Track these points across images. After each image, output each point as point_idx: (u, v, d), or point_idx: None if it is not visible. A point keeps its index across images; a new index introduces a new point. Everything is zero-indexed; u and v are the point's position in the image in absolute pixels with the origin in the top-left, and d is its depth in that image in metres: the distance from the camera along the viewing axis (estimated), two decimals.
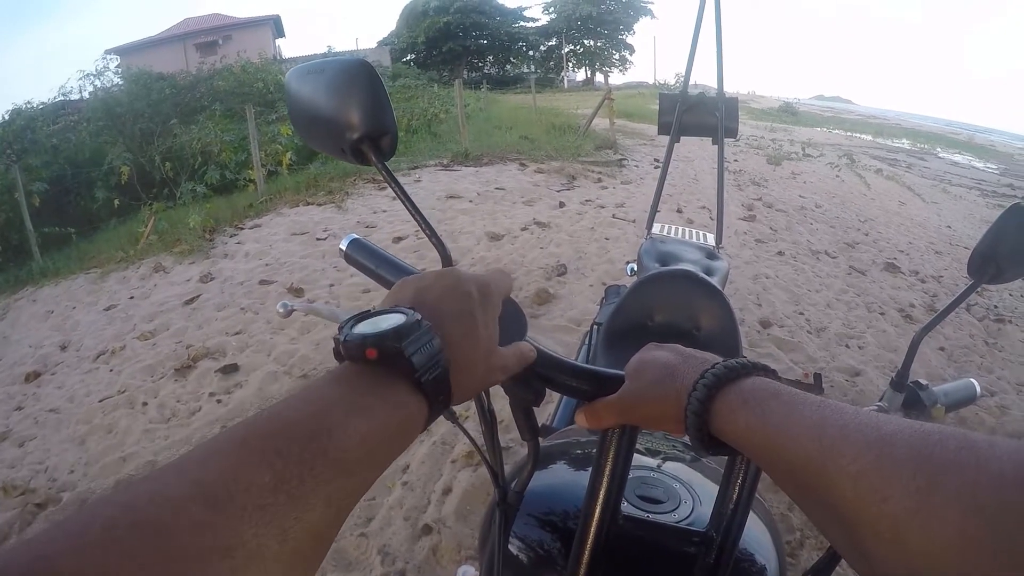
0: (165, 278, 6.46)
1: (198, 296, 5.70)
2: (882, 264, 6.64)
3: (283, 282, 5.70)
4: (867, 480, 0.43)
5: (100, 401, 4.19)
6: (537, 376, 0.73)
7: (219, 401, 3.96)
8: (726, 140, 2.66)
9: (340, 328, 0.52)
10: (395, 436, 0.49)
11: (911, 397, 1.19)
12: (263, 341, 4.65)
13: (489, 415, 0.87)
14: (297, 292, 5.43)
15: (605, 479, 0.76)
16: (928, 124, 43.04)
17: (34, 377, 4.81)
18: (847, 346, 4.56)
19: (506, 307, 0.68)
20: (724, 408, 0.58)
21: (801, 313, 5.09)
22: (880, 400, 1.21)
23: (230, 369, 4.28)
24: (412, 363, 0.50)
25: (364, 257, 0.91)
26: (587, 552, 0.77)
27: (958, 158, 21.53)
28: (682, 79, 2.92)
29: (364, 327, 0.51)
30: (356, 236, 0.94)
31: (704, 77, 2.69)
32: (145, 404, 4.05)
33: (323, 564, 0.40)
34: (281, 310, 1.02)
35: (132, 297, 6.08)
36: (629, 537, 0.84)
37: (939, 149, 23.79)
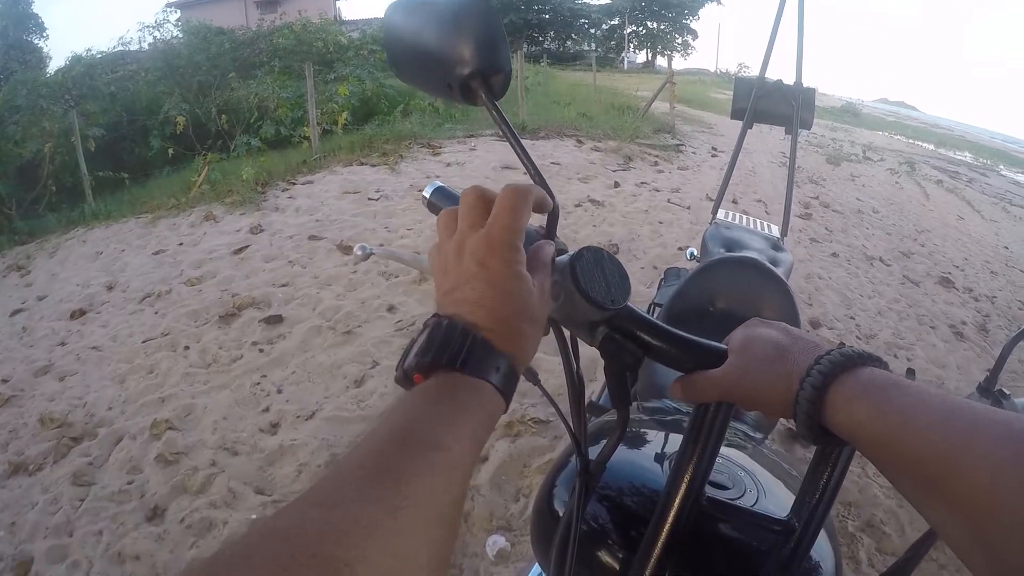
0: (215, 227, 6.44)
1: (247, 247, 5.66)
2: (936, 277, 6.44)
3: (332, 238, 5.65)
4: (1005, 474, 0.43)
5: (143, 342, 4.18)
6: (636, 341, 0.70)
7: (261, 351, 3.92)
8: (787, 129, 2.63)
9: (395, 369, 0.57)
10: (475, 423, 0.51)
11: (994, 405, 1.08)
12: (309, 295, 4.60)
13: (578, 380, 0.81)
14: (346, 249, 5.36)
15: (695, 456, 0.74)
16: (993, 139, 41.88)
17: (79, 315, 4.81)
18: (895, 356, 4.41)
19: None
20: (840, 397, 0.56)
21: (852, 317, 4.96)
22: None
23: (274, 320, 4.23)
24: (452, 364, 0.53)
25: (448, 204, 0.86)
26: (666, 531, 0.76)
27: (1021, 178, 20.77)
28: (744, 69, 2.80)
29: (407, 360, 0.55)
30: (440, 184, 0.92)
31: (772, 69, 2.60)
32: (187, 348, 4.02)
33: None
34: (359, 252, 1.02)
35: (181, 243, 6.07)
36: (710, 519, 0.82)
37: (1002, 166, 23.00)
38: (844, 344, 0.63)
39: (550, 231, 0.72)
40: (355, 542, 0.36)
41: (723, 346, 0.70)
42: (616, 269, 0.70)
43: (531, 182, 0.69)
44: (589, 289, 0.66)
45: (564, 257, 0.70)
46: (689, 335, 0.71)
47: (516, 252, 0.59)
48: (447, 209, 0.66)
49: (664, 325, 0.71)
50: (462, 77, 0.66)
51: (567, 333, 0.78)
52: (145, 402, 3.48)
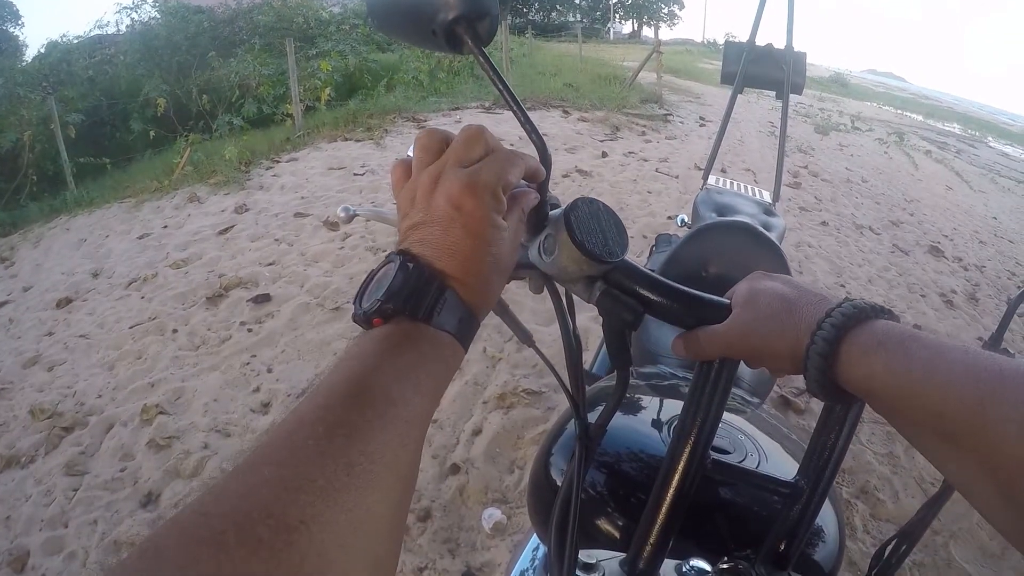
0: (199, 208, 6.38)
1: (232, 227, 5.61)
2: (926, 247, 6.49)
3: (319, 215, 5.62)
4: None
5: (130, 328, 4.14)
6: (635, 297, 0.67)
7: (250, 330, 3.89)
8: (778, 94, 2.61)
9: (354, 302, 0.54)
10: (435, 376, 0.50)
11: None
12: (296, 272, 4.58)
13: (575, 340, 0.77)
14: (332, 226, 5.32)
15: (699, 416, 0.71)
16: (981, 111, 41.90)
17: (65, 303, 4.76)
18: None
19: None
20: (855, 351, 0.54)
21: (842, 286, 4.99)
22: None
23: (262, 299, 4.20)
24: (416, 315, 0.51)
25: None
26: (671, 495, 0.73)
27: (1009, 149, 20.94)
28: (732, 38, 2.80)
29: (367, 297, 0.53)
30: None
31: (762, 34, 2.59)
32: (175, 331, 3.99)
33: None
34: (342, 213, 0.96)
35: (166, 226, 6.00)
36: (715, 483, 0.81)
37: (990, 138, 23.20)
38: (851, 296, 0.60)
39: (543, 183, 0.68)
40: (310, 500, 0.36)
41: (726, 300, 0.68)
42: (613, 221, 0.67)
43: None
44: (585, 241, 0.63)
45: (558, 210, 0.67)
46: (691, 290, 0.69)
47: (499, 201, 0.55)
48: (433, 131, 0.62)
49: (664, 279, 0.68)
50: (446, 22, 0.61)
51: (562, 291, 0.75)
52: (135, 388, 3.45)
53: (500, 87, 0.64)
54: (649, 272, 0.68)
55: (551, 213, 0.67)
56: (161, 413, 3.18)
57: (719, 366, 0.70)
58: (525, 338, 0.81)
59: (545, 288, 0.74)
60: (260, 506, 0.34)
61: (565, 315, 0.76)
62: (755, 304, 0.64)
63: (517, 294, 3.62)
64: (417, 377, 0.47)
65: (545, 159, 0.66)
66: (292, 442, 0.39)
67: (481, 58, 0.63)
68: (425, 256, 0.53)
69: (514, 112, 0.65)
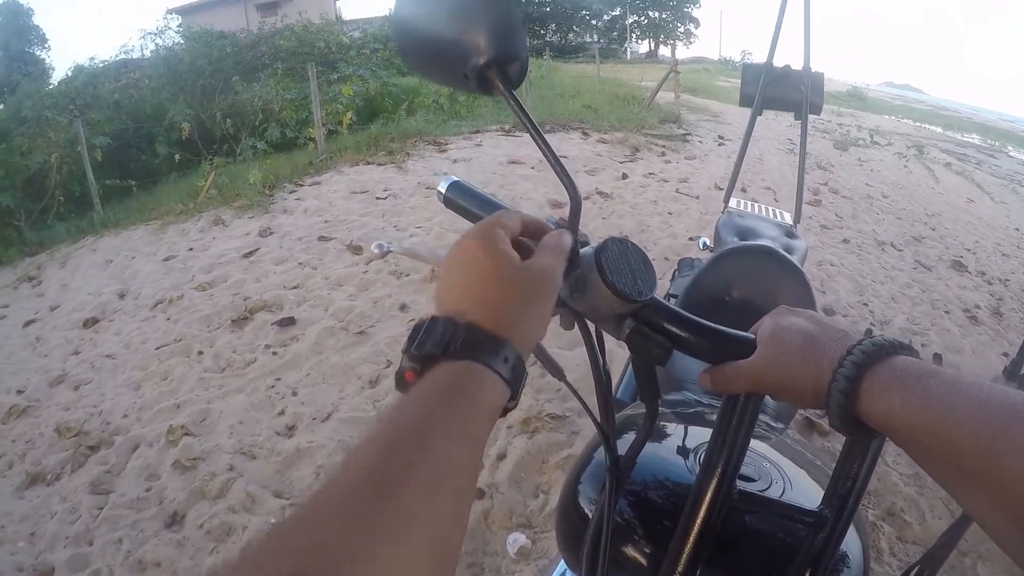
0: (224, 231, 6.45)
1: (256, 250, 5.66)
2: (948, 261, 6.38)
3: (342, 239, 5.65)
4: None
5: (156, 349, 4.18)
6: (664, 333, 0.70)
7: (275, 353, 3.91)
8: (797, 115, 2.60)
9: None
10: (469, 415, 0.48)
11: (1021, 390, 1.06)
12: (321, 296, 4.60)
13: (604, 375, 0.80)
14: (356, 250, 5.35)
15: (725, 449, 0.72)
16: (1000, 120, 41.43)
17: (92, 323, 4.83)
18: (910, 342, 4.30)
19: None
20: (875, 387, 0.56)
21: (865, 304, 4.92)
22: None
23: (287, 322, 4.23)
24: (436, 350, 0.51)
25: (464, 199, 0.88)
26: (698, 525, 0.74)
27: None
28: (748, 55, 2.80)
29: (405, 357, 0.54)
30: (456, 178, 0.91)
31: (778, 53, 2.59)
32: (201, 353, 4.02)
33: None
34: (376, 250, 0.99)
35: (191, 249, 6.07)
36: (741, 512, 0.81)
37: (1010, 147, 22.77)
38: (872, 330, 0.62)
39: (572, 223, 0.71)
40: (336, 567, 0.34)
41: (751, 336, 0.69)
42: (642, 260, 0.69)
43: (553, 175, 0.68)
44: (616, 280, 0.66)
45: (588, 248, 0.69)
46: (718, 326, 0.71)
47: (499, 241, 0.59)
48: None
49: (692, 316, 0.70)
50: (478, 67, 0.64)
51: (592, 327, 0.77)
52: (160, 408, 3.49)
53: (531, 129, 0.67)
54: (677, 309, 0.71)
55: (581, 251, 0.69)
56: (187, 434, 3.21)
57: (745, 400, 0.71)
58: (557, 373, 0.83)
59: (575, 324, 0.76)
60: (284, 571, 0.33)
61: (595, 350, 0.79)
62: (779, 340, 0.65)
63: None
64: (444, 422, 0.45)
65: (575, 200, 0.69)
66: (320, 502, 0.39)
67: (511, 101, 0.66)
68: (440, 303, 0.57)
69: (544, 154, 0.69)
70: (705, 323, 0.71)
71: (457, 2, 0.65)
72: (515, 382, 0.53)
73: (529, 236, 0.65)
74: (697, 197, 7.21)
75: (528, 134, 0.69)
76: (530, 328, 0.57)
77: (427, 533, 0.40)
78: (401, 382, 0.53)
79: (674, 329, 0.70)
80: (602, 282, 0.65)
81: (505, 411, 0.54)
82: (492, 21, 0.63)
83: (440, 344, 0.51)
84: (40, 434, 3.46)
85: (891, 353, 0.57)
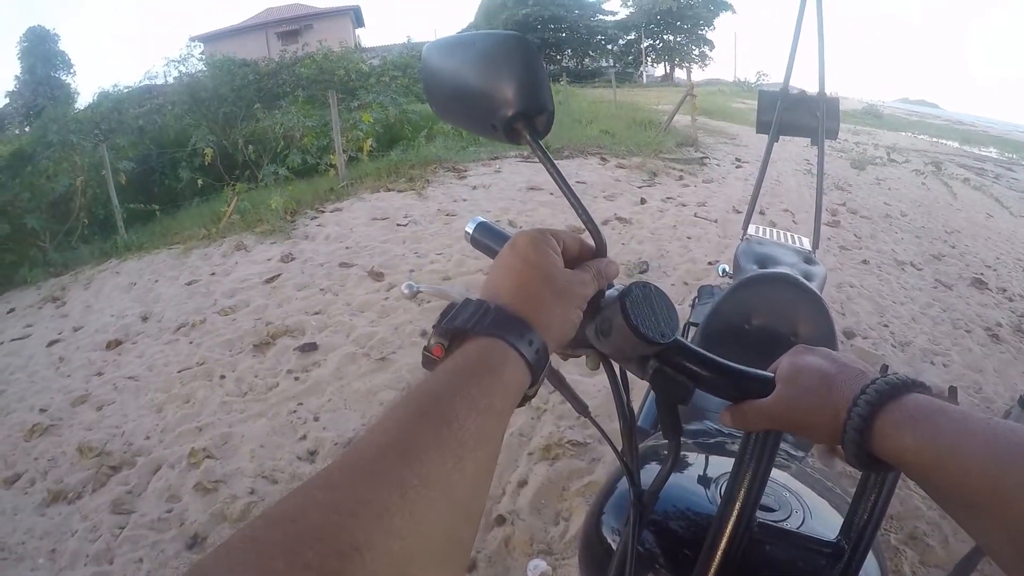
0: (246, 256, 6.51)
1: (278, 275, 5.71)
2: (969, 279, 6.33)
3: (363, 265, 5.69)
4: None
5: (179, 372, 4.22)
6: (686, 373, 0.72)
7: (296, 379, 3.94)
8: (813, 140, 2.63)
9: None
10: (490, 388, 0.50)
11: None
12: (342, 322, 4.63)
13: (628, 412, 0.83)
14: (377, 276, 5.39)
15: (745, 484, 0.75)
16: (1017, 132, 40.91)
17: (115, 345, 4.87)
18: (932, 363, 4.34)
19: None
20: (888, 426, 0.58)
21: (885, 325, 4.89)
22: (1006, 417, 1.11)
23: (308, 348, 4.26)
24: (464, 327, 0.54)
25: (490, 238, 0.93)
26: (718, 558, 0.76)
27: None
28: (763, 77, 2.82)
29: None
30: (483, 219, 0.95)
31: (793, 73, 2.61)
32: (223, 377, 4.06)
33: None
34: (406, 291, 1.02)
35: (213, 273, 6.13)
36: (760, 543, 0.83)
37: None
38: (888, 367, 0.65)
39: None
40: (362, 525, 0.35)
41: (771, 375, 0.71)
42: (664, 303, 0.72)
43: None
44: (640, 324, 0.68)
45: (613, 291, 0.71)
46: (738, 365, 0.73)
47: (549, 243, 0.64)
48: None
49: (713, 356, 0.73)
50: (506, 118, 0.66)
51: (617, 367, 0.80)
52: (182, 431, 3.51)
53: (557, 178, 0.69)
54: (698, 350, 0.73)
55: (607, 293, 0.71)
56: (208, 457, 3.23)
57: (764, 437, 0.73)
58: (581, 409, 0.86)
59: (599, 364, 0.79)
60: (309, 531, 0.34)
61: (619, 389, 0.82)
62: (797, 380, 0.68)
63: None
64: (470, 394, 0.47)
65: (600, 245, 0.72)
66: (345, 463, 0.40)
67: (539, 151, 0.68)
68: (483, 290, 0.61)
69: (570, 202, 0.71)
70: (726, 363, 0.73)
71: (484, 54, 0.67)
72: (537, 367, 0.56)
73: (575, 253, 0.69)
74: (716, 221, 7.20)
75: (554, 181, 0.71)
76: (559, 323, 0.61)
77: (450, 496, 0.41)
78: (427, 358, 0.55)
79: (696, 369, 0.72)
80: (627, 325, 0.67)
81: (525, 399, 0.57)
82: (518, 73, 0.64)
83: (469, 320, 0.54)
84: (62, 452, 3.50)
85: (904, 391, 0.60)
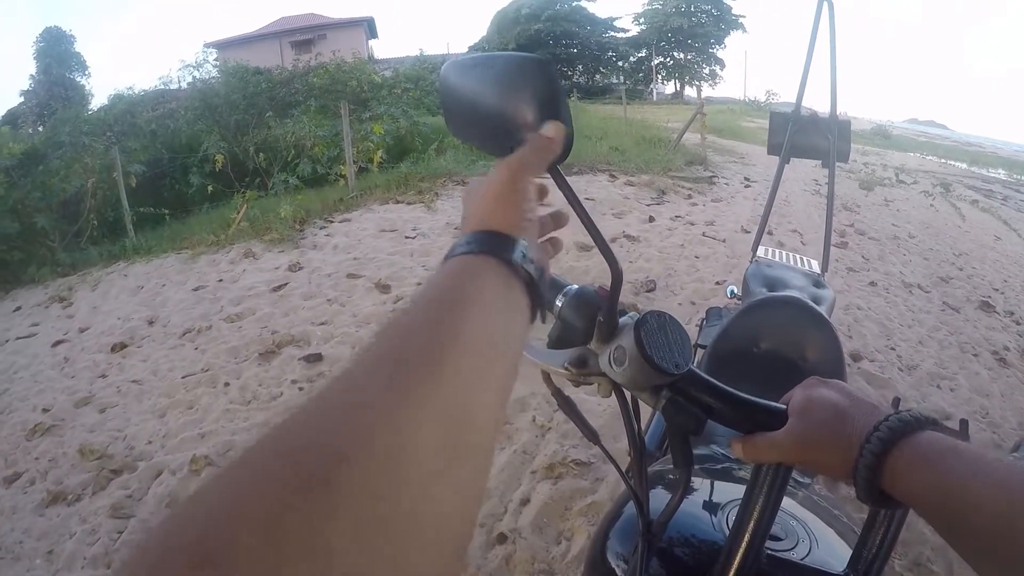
0: (254, 264, 6.53)
1: (286, 284, 5.72)
2: (976, 302, 6.27)
3: (371, 277, 5.70)
4: None
5: (183, 377, 4.23)
6: (697, 404, 0.72)
7: (301, 388, 3.94)
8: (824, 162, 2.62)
9: None
10: (503, 287, 0.50)
11: None
12: (348, 333, 4.63)
13: (639, 442, 0.84)
14: (384, 288, 5.40)
15: (755, 517, 0.75)
16: None
17: (120, 348, 4.89)
18: (938, 387, 4.29)
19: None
20: (900, 464, 0.58)
21: (892, 348, 4.85)
22: (1015, 451, 1.13)
23: (314, 358, 4.26)
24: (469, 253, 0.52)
25: None
26: None
27: None
28: (773, 96, 2.81)
29: None
30: None
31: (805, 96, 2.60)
32: (227, 384, 4.06)
33: None
34: None
35: (221, 280, 6.15)
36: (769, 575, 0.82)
37: None
38: (900, 400, 0.65)
39: (613, 295, 0.74)
40: (353, 428, 0.33)
41: (783, 407, 0.71)
42: (679, 332, 0.72)
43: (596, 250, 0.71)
44: (654, 355, 0.68)
45: (627, 320, 0.71)
46: (751, 397, 0.73)
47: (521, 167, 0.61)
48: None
49: (727, 388, 0.73)
50: (524, 142, 0.65)
51: (629, 396, 0.80)
52: (185, 437, 3.51)
53: (574, 204, 0.69)
54: (711, 380, 0.73)
55: (620, 322, 0.72)
56: (210, 464, 3.23)
57: (775, 469, 0.73)
58: (591, 436, 0.86)
59: (611, 392, 0.79)
60: (302, 436, 0.33)
61: (631, 419, 0.83)
62: (809, 414, 0.67)
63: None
64: (480, 295, 0.47)
65: (616, 274, 0.71)
66: (338, 376, 0.38)
67: (557, 178, 0.67)
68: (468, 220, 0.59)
69: (588, 229, 0.71)
70: (739, 395, 0.72)
71: (502, 75, 0.66)
72: (518, 268, 0.53)
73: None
74: (724, 240, 7.20)
75: (571, 207, 0.70)
76: (514, 213, 0.58)
77: (442, 400, 0.38)
78: None
79: (708, 400, 0.72)
80: (641, 356, 0.68)
81: (533, 309, 0.54)
82: (537, 95, 0.64)
83: (467, 245, 0.52)
84: (63, 453, 3.50)
85: (917, 429, 0.60)
